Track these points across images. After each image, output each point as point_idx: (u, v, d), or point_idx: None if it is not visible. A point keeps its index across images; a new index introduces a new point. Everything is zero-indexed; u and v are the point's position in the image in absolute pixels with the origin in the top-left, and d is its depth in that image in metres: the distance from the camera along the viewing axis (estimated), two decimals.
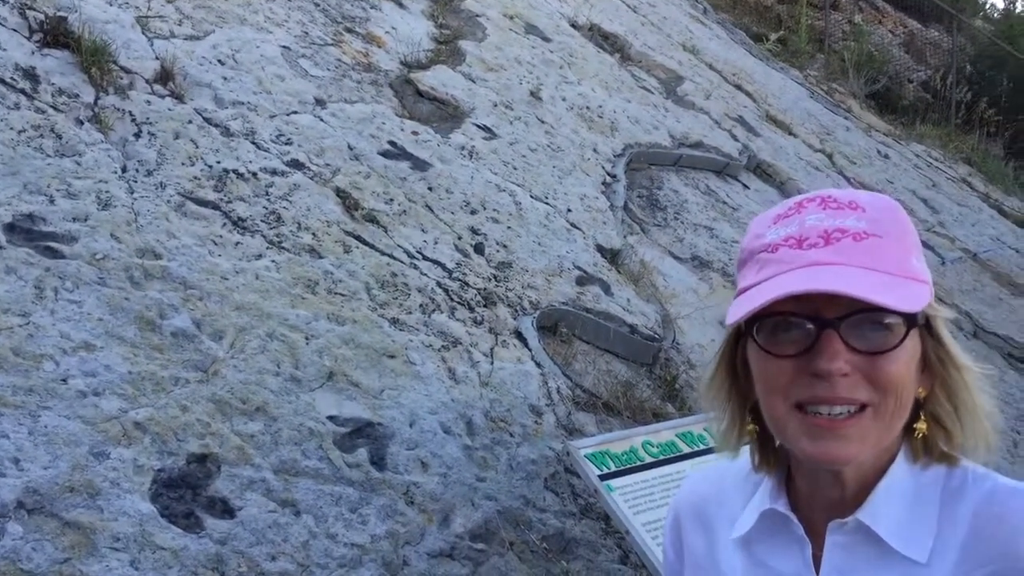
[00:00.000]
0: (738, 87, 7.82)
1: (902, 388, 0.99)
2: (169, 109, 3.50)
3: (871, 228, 1.01)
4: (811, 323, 0.98)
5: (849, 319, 0.97)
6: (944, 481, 1.05)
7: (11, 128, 2.98)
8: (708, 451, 2.94)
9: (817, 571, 1.06)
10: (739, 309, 1.02)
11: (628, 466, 2.78)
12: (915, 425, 1.04)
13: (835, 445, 0.98)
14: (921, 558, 1.01)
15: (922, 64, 12.47)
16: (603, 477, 2.73)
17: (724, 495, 1.19)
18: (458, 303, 3.49)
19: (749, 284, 1.04)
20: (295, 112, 3.96)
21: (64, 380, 2.37)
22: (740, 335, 1.09)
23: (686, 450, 2.91)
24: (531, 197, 4.41)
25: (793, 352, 1.00)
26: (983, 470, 1.05)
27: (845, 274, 0.97)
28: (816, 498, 1.08)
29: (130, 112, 3.37)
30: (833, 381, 0.97)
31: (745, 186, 6.19)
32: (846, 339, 0.97)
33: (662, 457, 2.85)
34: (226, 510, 2.35)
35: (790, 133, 7.50)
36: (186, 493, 2.34)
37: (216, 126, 3.58)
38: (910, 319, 0.99)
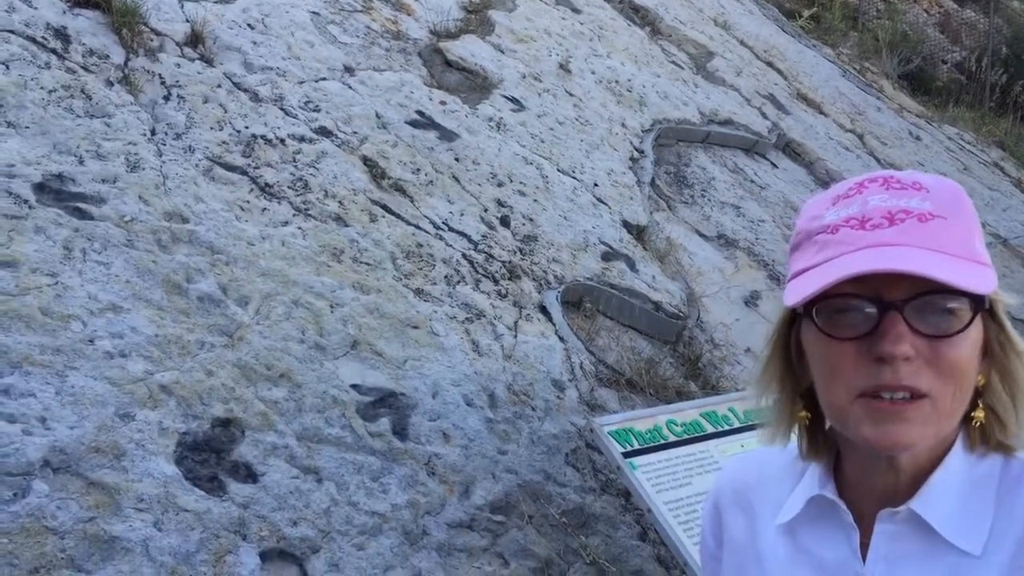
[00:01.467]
0: (769, 64, 7.71)
1: (965, 375, 0.97)
2: (198, 72, 3.49)
3: (936, 209, 0.98)
4: (874, 305, 0.95)
5: (913, 302, 0.95)
6: (1001, 472, 1.02)
7: (42, 87, 2.98)
8: (732, 431, 2.92)
9: (863, 560, 1.04)
10: (798, 290, 0.99)
11: (652, 444, 2.77)
12: (973, 414, 1.01)
13: (896, 429, 0.95)
14: (975, 550, 0.98)
15: (957, 45, 12.26)
16: (626, 455, 2.72)
17: (768, 481, 1.17)
18: (483, 275, 3.48)
19: (807, 266, 1.00)
20: (324, 79, 3.94)
21: (91, 341, 2.38)
22: (794, 319, 1.06)
23: (710, 430, 2.90)
24: (558, 171, 4.38)
25: (853, 335, 0.97)
26: None
27: (911, 255, 0.94)
28: (867, 486, 1.06)
29: (160, 75, 3.36)
30: (896, 366, 0.94)
31: (774, 165, 6.13)
32: (910, 322, 0.95)
33: (686, 436, 2.84)
34: (249, 475, 2.36)
35: (821, 112, 7.40)
36: (210, 457, 2.35)
37: (245, 91, 3.57)
38: (977, 303, 0.96)
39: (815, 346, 1.02)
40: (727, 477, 1.24)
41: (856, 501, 1.06)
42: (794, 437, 1.13)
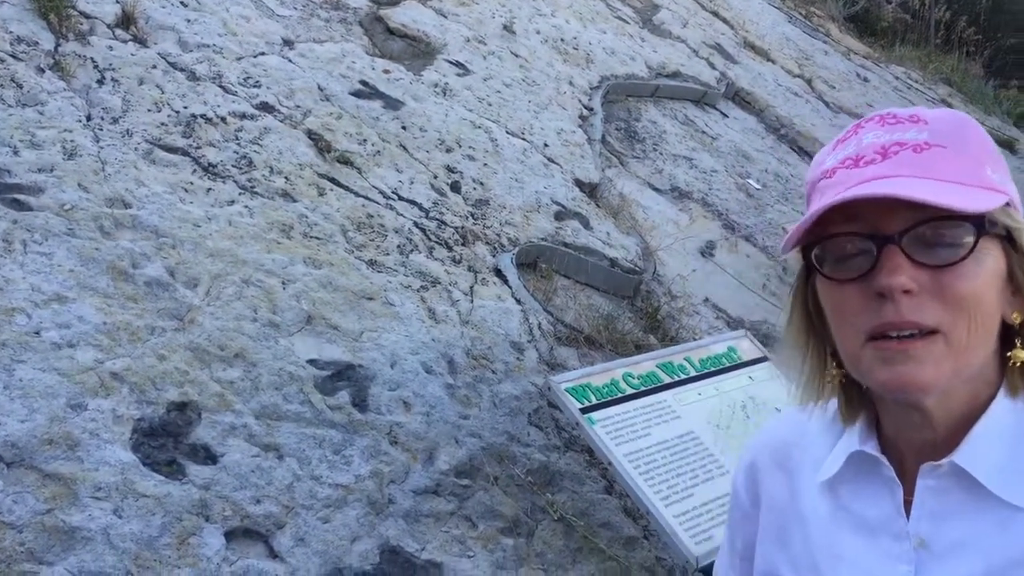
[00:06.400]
0: (715, 14, 7.71)
1: (976, 307, 0.91)
2: (132, 54, 3.42)
3: (933, 139, 0.94)
4: (871, 241, 0.91)
5: (911, 232, 0.90)
6: None
7: None
8: (689, 380, 2.96)
9: (907, 517, 1.00)
10: (787, 236, 0.95)
11: (609, 398, 2.79)
12: (1009, 353, 0.96)
13: (907, 370, 0.91)
14: (1023, 503, 0.93)
15: None
16: (584, 410, 2.74)
17: (808, 438, 1.12)
18: (436, 242, 3.47)
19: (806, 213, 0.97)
20: (262, 53, 3.88)
21: (37, 333, 2.35)
22: (810, 273, 1.02)
23: (667, 380, 2.93)
24: (507, 133, 4.36)
25: (857, 275, 0.93)
26: None
27: (899, 183, 0.90)
28: (904, 441, 1.01)
29: (92, 58, 3.29)
30: (898, 300, 0.90)
31: (724, 115, 6.14)
32: (910, 254, 0.90)
33: (643, 388, 2.87)
34: (208, 456, 2.35)
35: (768, 59, 7.42)
36: (167, 441, 2.33)
37: (181, 70, 3.51)
38: (978, 226, 0.90)
39: (825, 294, 0.98)
40: (765, 436, 1.20)
41: (897, 456, 1.02)
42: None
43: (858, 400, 1.05)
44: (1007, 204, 0.94)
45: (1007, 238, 0.94)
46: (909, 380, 0.91)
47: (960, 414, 0.96)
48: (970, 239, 0.90)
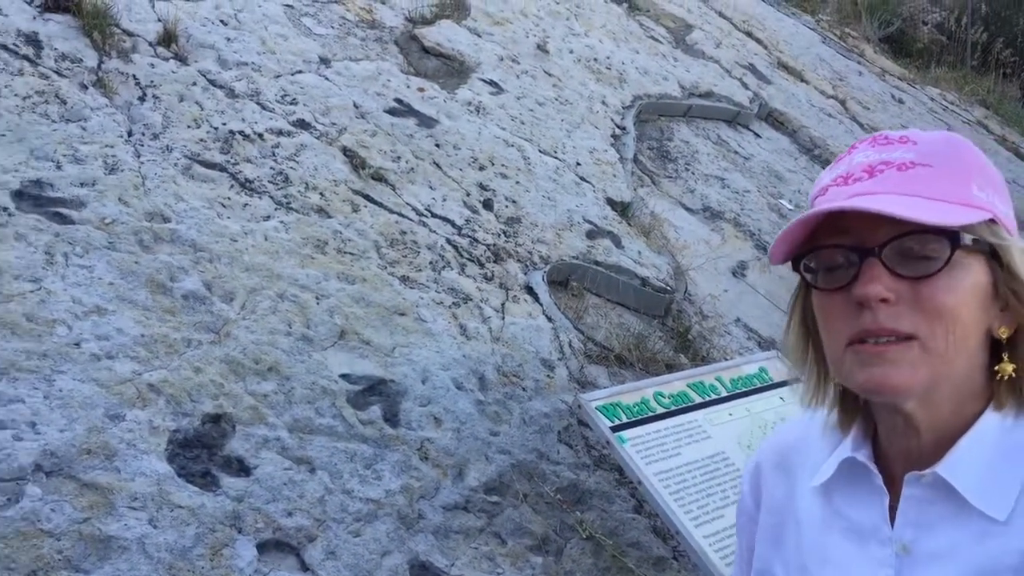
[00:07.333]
0: (748, 34, 7.71)
1: (954, 318, 0.95)
2: (173, 71, 3.49)
3: (919, 158, 0.98)
4: (854, 252, 0.97)
5: (891, 244, 0.95)
6: None
7: (15, 95, 2.98)
8: (720, 400, 2.95)
9: (892, 524, 1.03)
10: (775, 246, 1.01)
11: (639, 417, 2.79)
12: (997, 367, 0.99)
13: (883, 371, 0.95)
14: (1000, 516, 0.95)
15: (937, 5, 12.22)
16: (615, 429, 2.74)
17: (808, 443, 1.16)
18: (468, 259, 3.49)
19: None
20: (300, 71, 3.94)
21: (77, 344, 2.39)
22: (808, 285, 1.06)
23: (697, 400, 2.92)
24: (539, 151, 4.38)
25: (842, 285, 0.98)
26: None
27: (876, 199, 0.95)
28: (895, 449, 1.05)
29: (134, 75, 3.36)
30: (875, 309, 0.95)
31: (757, 135, 6.13)
32: (890, 266, 0.95)
33: (673, 408, 2.86)
34: (242, 468, 2.38)
35: (802, 80, 7.40)
36: (202, 453, 2.36)
37: (221, 87, 3.57)
38: (953, 240, 0.94)
39: (815, 303, 1.03)
40: (772, 439, 1.25)
41: (888, 465, 1.06)
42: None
43: (853, 408, 1.10)
44: (992, 221, 0.98)
45: (993, 255, 0.98)
46: (884, 381, 0.95)
47: (946, 425, 1.00)
48: (945, 252, 0.94)
